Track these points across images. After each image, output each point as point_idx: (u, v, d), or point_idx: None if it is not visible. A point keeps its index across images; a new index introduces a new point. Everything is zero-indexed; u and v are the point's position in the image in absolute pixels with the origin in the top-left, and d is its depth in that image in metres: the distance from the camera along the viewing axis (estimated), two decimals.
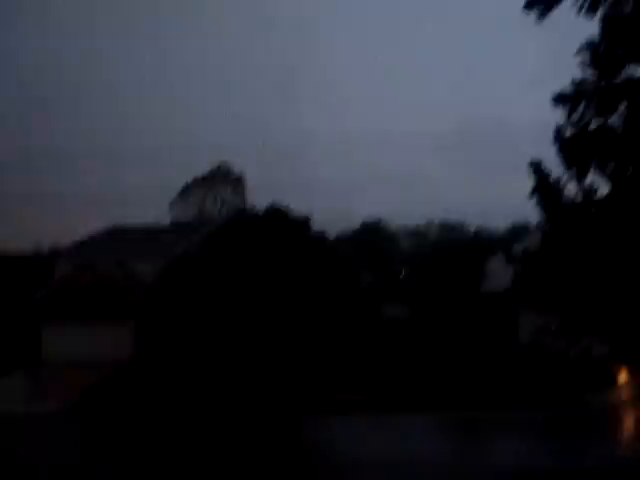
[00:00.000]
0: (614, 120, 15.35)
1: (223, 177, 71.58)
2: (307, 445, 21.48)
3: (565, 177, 16.40)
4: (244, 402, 25.38)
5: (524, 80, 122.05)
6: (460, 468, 16.50)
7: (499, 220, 78.60)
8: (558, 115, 15.79)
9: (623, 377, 28.71)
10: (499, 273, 34.30)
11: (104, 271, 37.37)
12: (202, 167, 70.24)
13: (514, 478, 15.43)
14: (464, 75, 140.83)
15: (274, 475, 16.45)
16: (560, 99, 15.12)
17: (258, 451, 19.77)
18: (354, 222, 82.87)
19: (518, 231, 70.17)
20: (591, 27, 14.49)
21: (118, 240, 42.81)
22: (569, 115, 15.17)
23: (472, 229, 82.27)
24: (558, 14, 14.05)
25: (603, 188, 16.25)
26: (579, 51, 14.82)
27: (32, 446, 20.20)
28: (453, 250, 62.51)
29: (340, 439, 21.55)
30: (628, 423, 24.78)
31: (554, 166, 16.86)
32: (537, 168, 16.58)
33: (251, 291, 32.24)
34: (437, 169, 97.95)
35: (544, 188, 16.44)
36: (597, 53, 14.77)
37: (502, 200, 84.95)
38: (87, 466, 17.55)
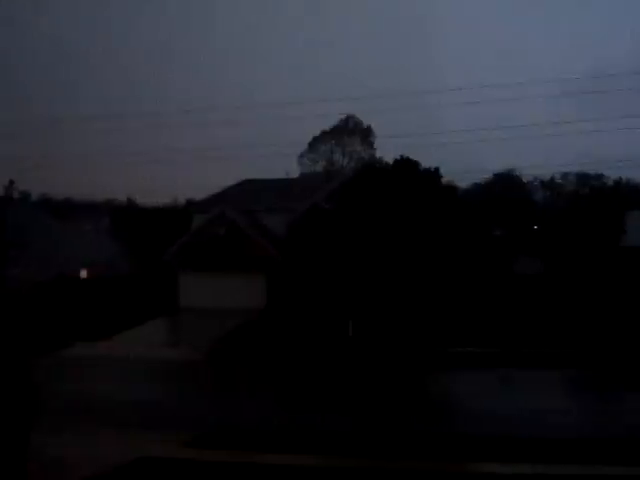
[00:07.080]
0: None
1: (351, 130, 71.20)
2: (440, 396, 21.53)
3: None
4: (372, 351, 25.63)
5: None
6: None
7: None
8: None
9: None
10: None
11: (237, 223, 38.35)
12: (331, 120, 69.98)
13: None
14: (597, 19, 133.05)
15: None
16: None
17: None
18: (486, 173, 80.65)
19: None
20: None
21: (250, 193, 43.78)
22: None
23: (611, 180, 77.73)
24: None
25: None
26: None
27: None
28: (590, 202, 59.64)
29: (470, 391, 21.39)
30: None
31: None
32: None
33: (382, 242, 32.09)
34: (573, 118, 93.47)
35: None
36: None
37: None
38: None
